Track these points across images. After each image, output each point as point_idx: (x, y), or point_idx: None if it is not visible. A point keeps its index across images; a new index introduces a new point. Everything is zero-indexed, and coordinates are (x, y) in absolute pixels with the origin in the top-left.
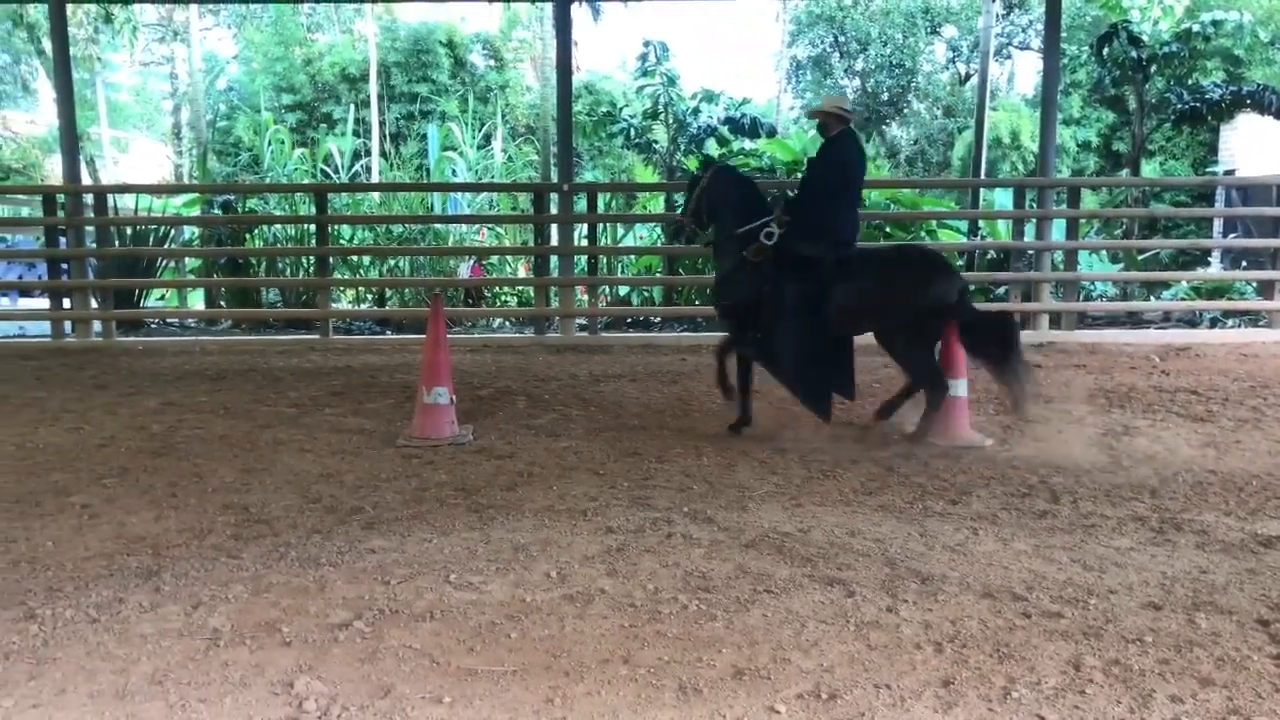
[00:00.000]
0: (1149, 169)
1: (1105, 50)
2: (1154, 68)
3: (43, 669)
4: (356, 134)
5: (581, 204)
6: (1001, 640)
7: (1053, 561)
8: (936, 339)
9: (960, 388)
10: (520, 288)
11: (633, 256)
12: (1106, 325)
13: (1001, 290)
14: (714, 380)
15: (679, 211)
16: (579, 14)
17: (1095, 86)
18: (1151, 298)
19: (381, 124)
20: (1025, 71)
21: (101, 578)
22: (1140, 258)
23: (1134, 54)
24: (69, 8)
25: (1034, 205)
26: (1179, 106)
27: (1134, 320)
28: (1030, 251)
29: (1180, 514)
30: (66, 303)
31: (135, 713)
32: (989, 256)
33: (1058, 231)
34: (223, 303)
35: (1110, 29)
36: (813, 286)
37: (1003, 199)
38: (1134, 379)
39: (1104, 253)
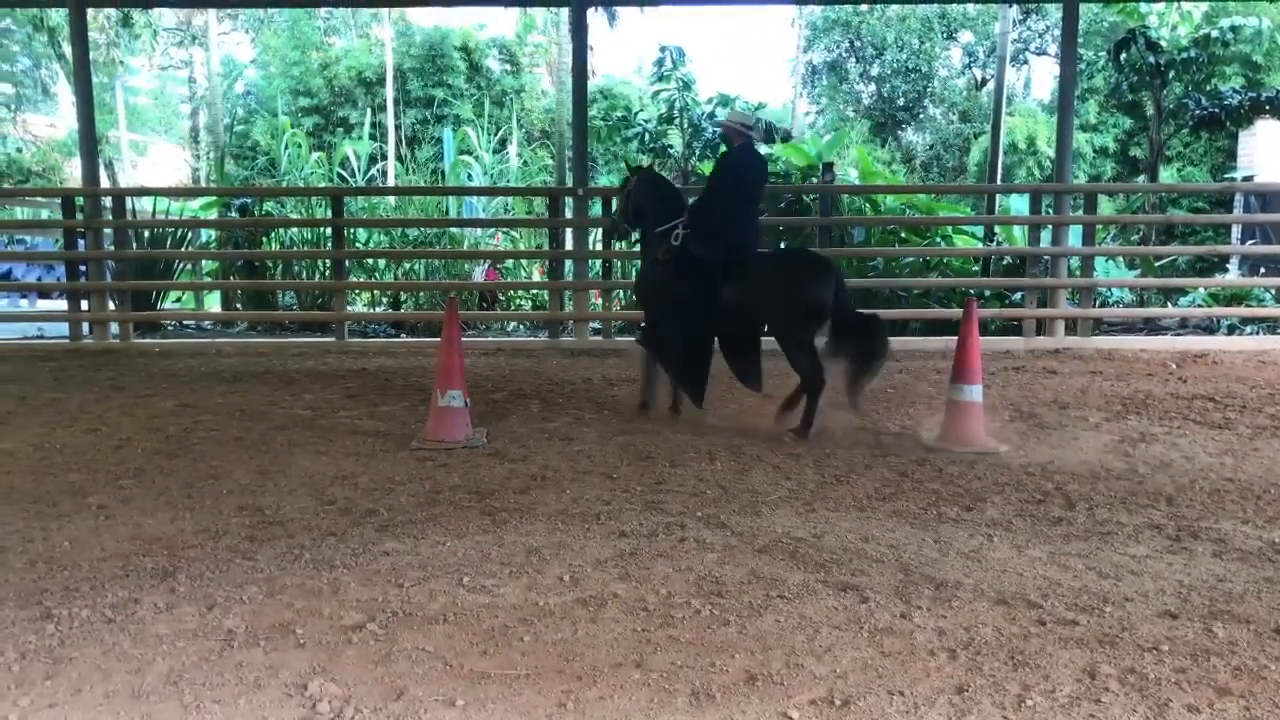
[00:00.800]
0: (1167, 175)
1: (1123, 56)
2: (1172, 73)
3: (59, 668)
4: (373, 138)
5: (596, 208)
6: (1016, 647)
7: (1068, 569)
8: (815, 335)
9: (975, 393)
10: (535, 291)
11: None
12: (1123, 331)
13: (1017, 296)
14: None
15: (612, 214)
16: (595, 19)
17: (1112, 92)
18: (1169, 304)
19: (397, 128)
20: (1042, 77)
21: (117, 578)
22: (1158, 264)
23: (1152, 59)
24: (89, 12)
25: (1050, 211)
26: (1197, 112)
27: (1151, 326)
28: (1046, 257)
29: (1197, 522)
30: (84, 304)
31: (150, 713)
32: (1005, 262)
33: (1074, 237)
34: (239, 305)
35: (1128, 34)
36: (704, 287)
37: (1019, 204)
38: (1151, 386)
39: (1121, 258)
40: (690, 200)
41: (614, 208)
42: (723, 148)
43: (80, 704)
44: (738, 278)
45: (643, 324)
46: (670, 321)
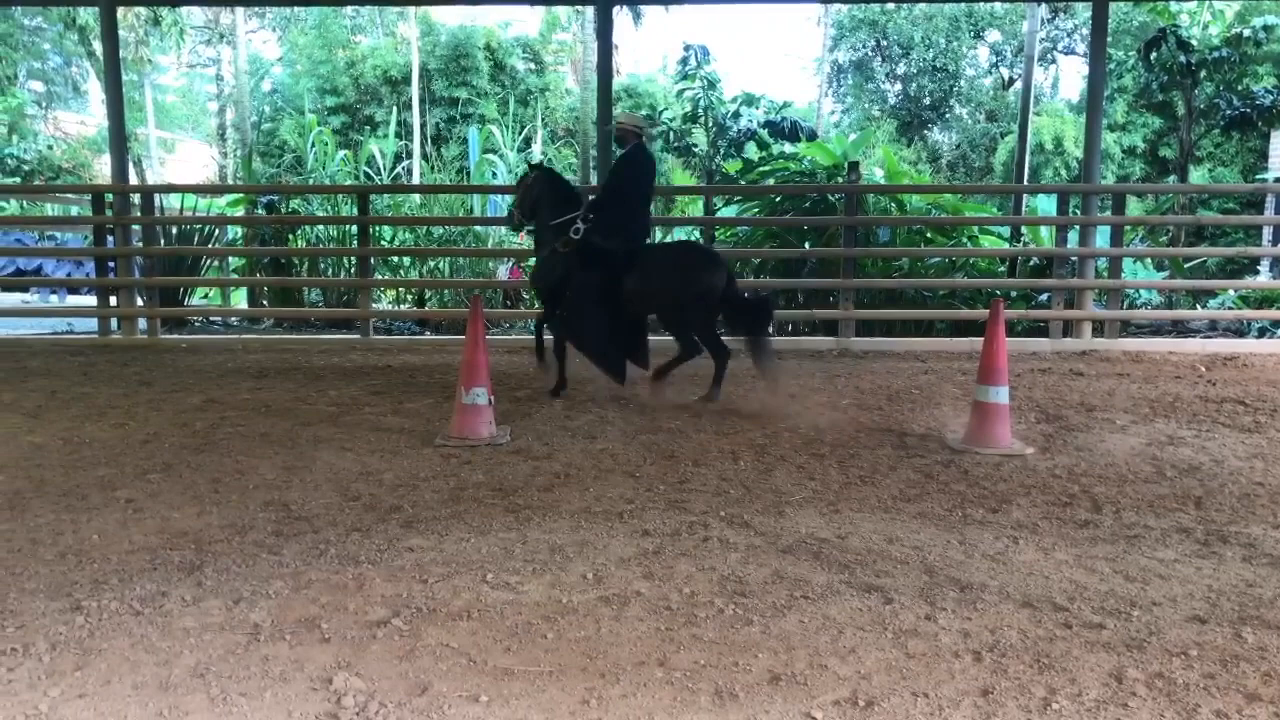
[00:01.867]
0: (1197, 175)
1: (1153, 55)
2: (1203, 73)
3: (89, 659)
4: (398, 136)
5: None
6: (1042, 650)
7: (1095, 572)
8: (708, 319)
9: (1001, 395)
10: None
11: None
12: (1151, 334)
13: (1044, 297)
14: (533, 350)
15: (509, 208)
16: (620, 17)
17: (1142, 92)
18: (1198, 306)
19: (423, 126)
20: (1070, 76)
21: (145, 571)
22: (1187, 265)
23: (1183, 59)
24: (119, 10)
25: (1078, 211)
26: (1228, 112)
27: (1179, 329)
28: (1073, 258)
29: (1226, 526)
30: (113, 300)
31: (178, 704)
32: (1031, 263)
33: (1102, 238)
34: (265, 302)
35: (1158, 34)
36: (608, 275)
37: (1046, 205)
38: (1179, 388)
39: (1149, 260)
40: (590, 197)
41: (513, 202)
42: (615, 147)
43: (109, 695)
44: (639, 268)
45: (555, 313)
46: (583, 308)
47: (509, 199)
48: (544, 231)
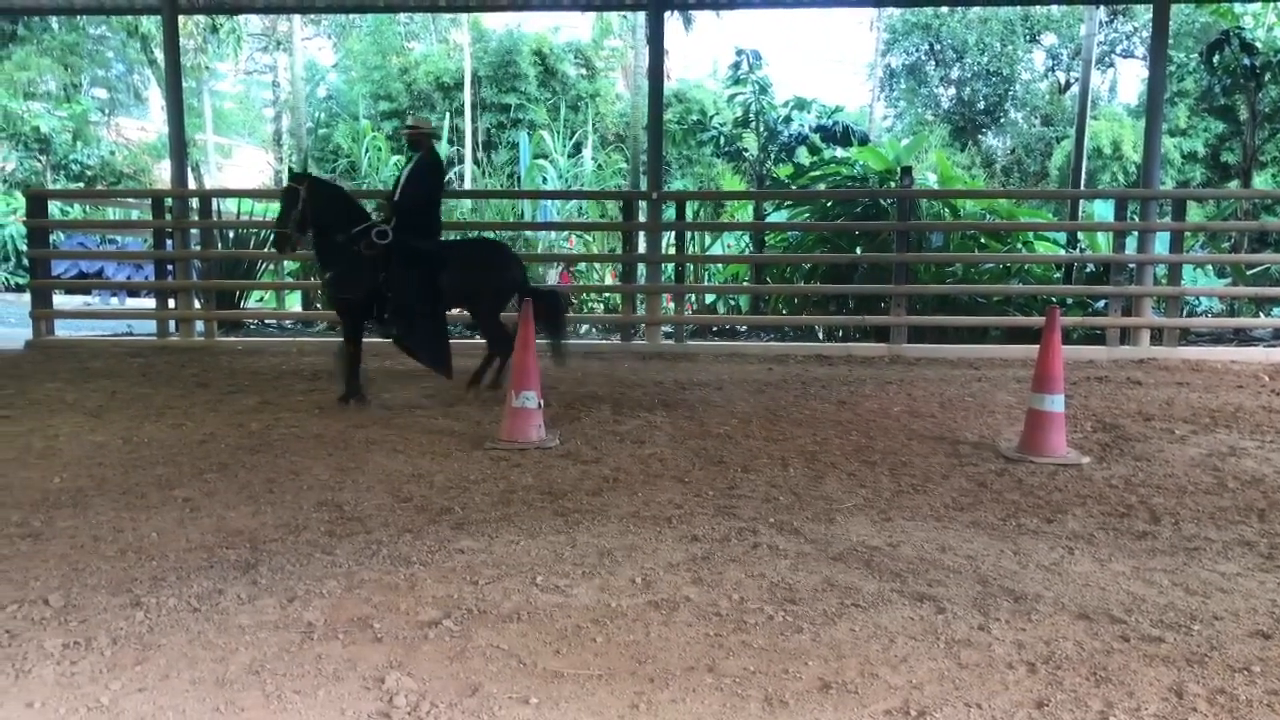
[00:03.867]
0: (1260, 180)
1: (1216, 58)
2: (1268, 75)
3: (148, 654)
4: (450, 141)
5: (670, 212)
6: (1098, 663)
7: (1153, 584)
8: (503, 309)
9: (1057, 403)
10: (607, 295)
11: (720, 265)
12: (1212, 342)
13: (1101, 304)
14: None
15: (279, 223)
16: (671, 23)
17: (1204, 95)
18: (1261, 314)
19: (474, 132)
20: (1128, 79)
21: (202, 569)
22: (1249, 272)
23: (1246, 62)
24: (180, 19)
25: (1136, 217)
26: None
27: (1241, 337)
28: (1131, 265)
29: None
30: (172, 303)
31: (234, 700)
32: (1088, 269)
33: (1160, 245)
34: (319, 305)
35: (1221, 36)
36: (427, 274)
37: (1103, 210)
38: (1241, 398)
39: (1210, 267)
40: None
41: (283, 217)
42: (408, 150)
43: (168, 689)
44: (453, 265)
45: (368, 321)
46: (413, 307)
47: (555, 204)
48: (332, 245)
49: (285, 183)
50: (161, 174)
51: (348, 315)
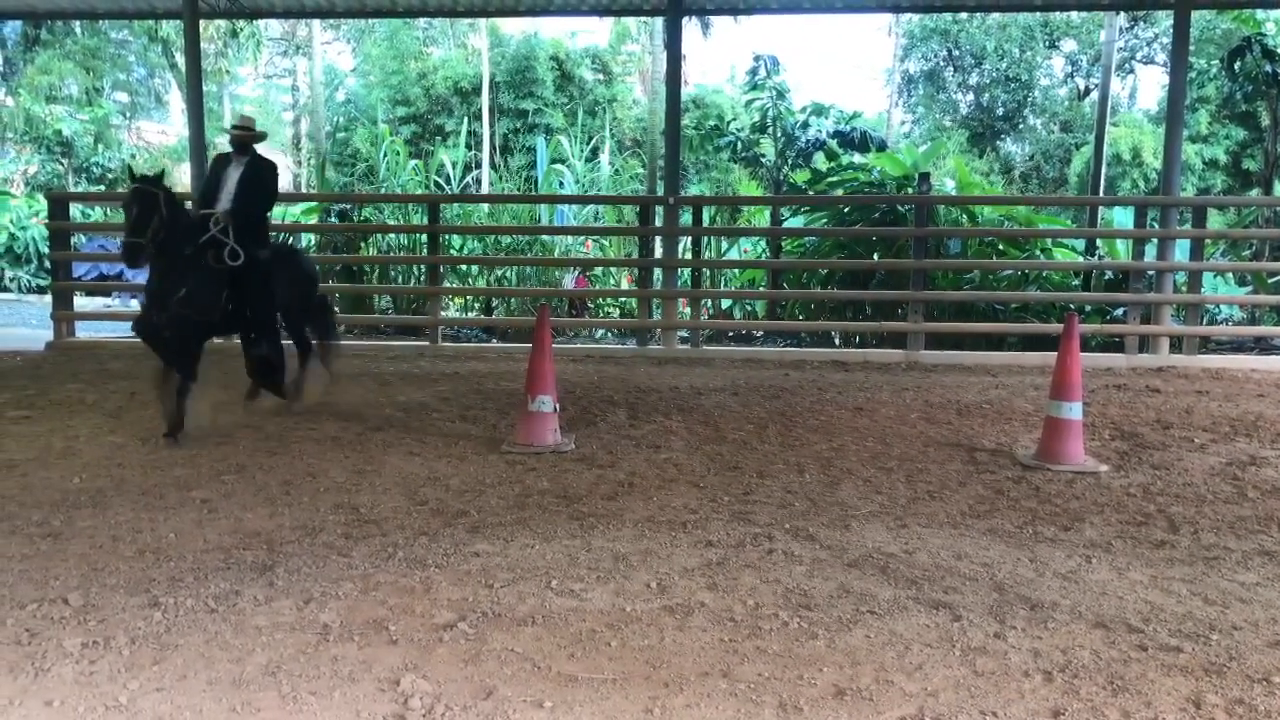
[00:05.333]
0: None
1: (1237, 64)
2: None
3: (166, 654)
4: (468, 146)
5: (686, 217)
6: (1115, 672)
7: (1171, 593)
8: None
9: (1075, 410)
10: (623, 299)
11: (736, 270)
12: (1232, 350)
13: (1119, 311)
14: (161, 395)
15: (137, 232)
16: (688, 28)
17: (1225, 102)
18: None
19: (491, 136)
20: (1148, 86)
21: (219, 570)
22: (1271, 280)
23: (1269, 68)
24: (200, 23)
25: (1156, 224)
26: None
27: (1262, 346)
28: (1151, 272)
29: None
30: None
31: (250, 700)
32: (1106, 277)
33: (1180, 252)
34: (337, 308)
35: (1243, 42)
36: (269, 283)
37: (1122, 218)
38: (1262, 407)
39: (1230, 275)
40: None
41: (139, 227)
42: (231, 151)
43: (185, 689)
44: (282, 273)
45: (197, 342)
46: (271, 322)
47: (572, 209)
48: (178, 255)
49: (131, 185)
50: (182, 177)
51: (203, 334)
